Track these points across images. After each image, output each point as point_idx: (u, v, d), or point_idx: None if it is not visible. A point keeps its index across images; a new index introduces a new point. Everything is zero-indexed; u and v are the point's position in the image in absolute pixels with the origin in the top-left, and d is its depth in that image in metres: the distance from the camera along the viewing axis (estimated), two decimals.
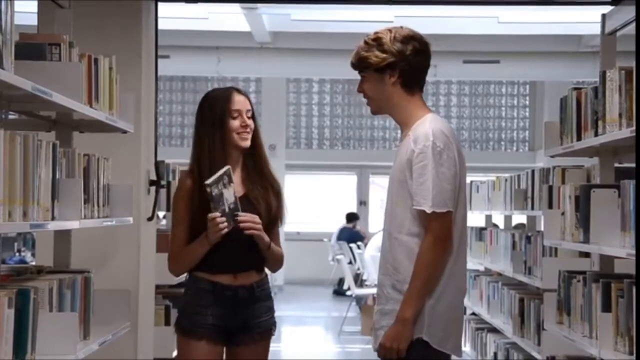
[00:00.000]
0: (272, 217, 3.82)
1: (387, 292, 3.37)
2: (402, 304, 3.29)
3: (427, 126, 3.34)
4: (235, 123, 3.73)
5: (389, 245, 3.38)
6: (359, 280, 13.36)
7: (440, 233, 3.28)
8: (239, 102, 3.76)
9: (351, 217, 17.28)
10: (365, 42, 3.44)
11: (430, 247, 3.28)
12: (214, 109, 3.74)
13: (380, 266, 3.44)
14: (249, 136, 3.77)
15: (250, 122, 3.77)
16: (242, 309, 3.76)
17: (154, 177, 5.70)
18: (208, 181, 3.61)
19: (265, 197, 3.79)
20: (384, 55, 3.38)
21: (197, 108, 3.82)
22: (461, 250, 3.39)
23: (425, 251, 3.28)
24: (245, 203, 3.74)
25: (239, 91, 3.80)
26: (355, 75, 3.53)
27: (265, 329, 3.85)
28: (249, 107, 3.78)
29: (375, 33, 3.44)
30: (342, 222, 17.34)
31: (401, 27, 3.45)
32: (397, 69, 3.39)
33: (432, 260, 3.28)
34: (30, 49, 3.73)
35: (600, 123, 4.13)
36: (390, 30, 3.42)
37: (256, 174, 3.82)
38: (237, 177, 3.76)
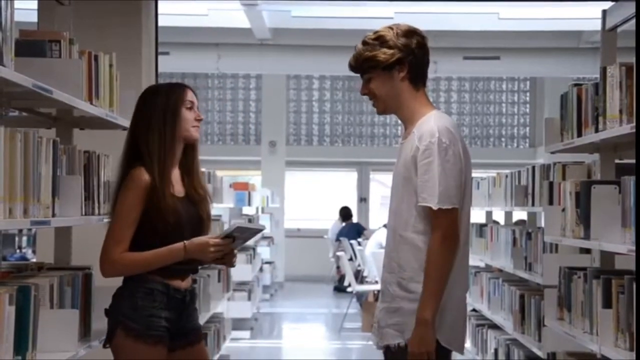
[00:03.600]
0: (207, 224, 3.77)
1: (393, 289, 3.34)
2: (420, 305, 3.25)
3: (432, 123, 3.33)
4: (189, 114, 3.67)
5: (394, 243, 3.36)
6: (359, 277, 13.36)
7: (447, 230, 3.26)
8: (192, 95, 3.72)
9: (347, 216, 17.29)
10: (366, 43, 3.40)
11: (439, 244, 3.25)
12: (169, 98, 3.66)
13: (384, 264, 3.42)
14: (199, 130, 3.72)
15: (201, 115, 3.73)
16: (185, 312, 3.68)
17: None
18: (242, 225, 3.62)
19: (204, 202, 3.73)
20: (392, 51, 3.37)
21: (143, 97, 3.71)
22: (466, 248, 3.39)
23: (434, 249, 3.25)
24: (188, 204, 3.67)
25: (190, 88, 3.75)
26: None
27: (199, 330, 3.77)
28: (197, 104, 3.75)
29: (375, 32, 3.41)
30: (337, 218, 17.39)
31: (399, 24, 3.44)
32: (406, 63, 3.37)
33: (443, 258, 3.26)
34: (31, 46, 3.73)
35: (600, 119, 4.13)
36: (390, 27, 3.40)
37: (189, 177, 3.73)
38: (175, 174, 3.69)
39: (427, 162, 3.27)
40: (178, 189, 3.68)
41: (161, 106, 3.65)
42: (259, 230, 3.76)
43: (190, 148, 3.74)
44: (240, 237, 3.63)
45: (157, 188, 3.56)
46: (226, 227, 6.31)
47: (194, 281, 3.80)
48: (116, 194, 3.64)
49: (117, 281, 4.41)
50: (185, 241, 3.56)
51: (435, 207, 3.25)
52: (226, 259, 3.68)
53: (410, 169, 3.31)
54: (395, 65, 3.37)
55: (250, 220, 10.09)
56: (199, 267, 3.89)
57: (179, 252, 3.56)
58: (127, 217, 3.57)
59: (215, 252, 3.57)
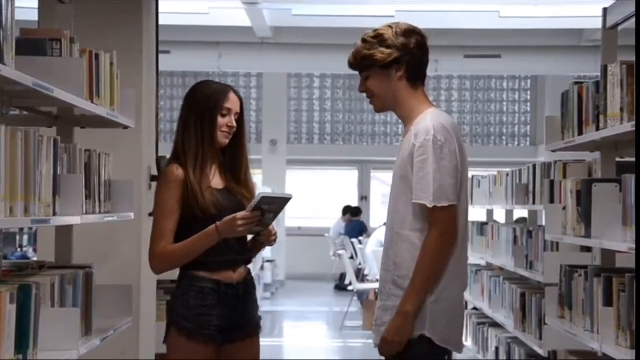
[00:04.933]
0: None
1: (389, 288, 3.35)
2: (404, 297, 3.28)
3: (428, 120, 3.33)
4: (222, 120, 3.70)
5: (391, 241, 3.37)
6: (360, 275, 13.37)
7: (444, 227, 3.27)
8: (232, 101, 3.73)
9: (356, 212, 17.34)
10: (365, 41, 3.40)
11: (434, 241, 3.26)
12: (208, 101, 3.70)
13: (382, 262, 3.43)
14: (229, 137, 3.73)
15: (235, 123, 3.74)
16: (241, 305, 3.71)
17: (155, 172, 5.70)
18: (266, 194, 3.58)
19: (244, 197, 3.73)
20: (390, 50, 3.37)
21: (190, 92, 3.76)
22: (463, 246, 3.38)
23: (429, 245, 3.27)
24: (228, 195, 3.70)
25: (235, 91, 3.78)
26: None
27: (257, 322, 3.80)
28: (238, 110, 3.75)
29: (375, 30, 3.41)
30: (342, 217, 17.42)
31: (399, 22, 3.44)
32: (403, 63, 3.38)
33: (436, 255, 3.27)
34: (31, 44, 3.73)
35: (601, 117, 4.13)
36: (390, 26, 3.41)
37: (233, 177, 3.76)
38: (214, 172, 3.73)
39: (422, 160, 3.27)
40: (216, 181, 3.72)
41: (199, 109, 3.70)
42: (288, 199, 3.66)
43: (238, 147, 3.76)
44: (269, 210, 3.59)
45: (193, 185, 3.62)
46: None
47: (248, 272, 3.80)
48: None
49: (118, 279, 4.43)
50: (217, 222, 3.59)
51: (430, 205, 3.26)
52: (263, 237, 3.71)
53: (406, 167, 3.32)
54: (392, 65, 3.37)
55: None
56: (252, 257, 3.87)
57: (212, 233, 3.60)
58: (163, 211, 3.65)
59: (244, 225, 3.57)
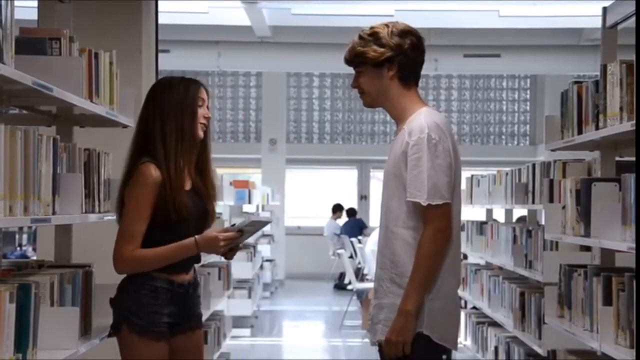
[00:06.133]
0: (213, 217, 3.79)
1: (385, 286, 3.36)
2: (404, 296, 3.29)
3: (422, 119, 3.34)
4: (200, 112, 3.68)
5: (386, 239, 3.38)
6: (359, 275, 13.37)
7: (438, 225, 3.28)
8: (204, 93, 3.72)
9: (351, 212, 17.35)
10: (361, 37, 3.42)
11: (430, 239, 3.27)
12: (186, 94, 3.65)
13: (377, 261, 3.44)
14: (205, 129, 3.70)
15: (209, 113, 3.72)
16: (189, 303, 3.73)
17: None
18: (255, 219, 3.68)
19: (212, 199, 3.74)
20: (382, 49, 3.38)
21: (156, 91, 3.68)
22: (456, 245, 3.39)
23: (425, 244, 3.28)
24: (194, 196, 3.68)
25: (203, 84, 3.76)
26: None
27: (199, 317, 3.82)
28: (208, 104, 3.74)
29: (372, 28, 3.43)
30: (332, 215, 17.48)
31: (397, 22, 3.45)
32: (396, 63, 3.39)
33: (433, 253, 3.28)
34: (31, 43, 3.73)
35: (601, 117, 4.13)
36: (387, 25, 3.42)
37: (199, 174, 3.73)
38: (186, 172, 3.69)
39: (416, 158, 3.28)
40: (186, 182, 3.69)
41: (178, 102, 3.64)
42: (267, 223, 3.83)
43: (202, 145, 3.73)
44: (248, 231, 3.66)
45: (172, 185, 3.58)
46: (226, 224, 6.31)
47: (194, 272, 3.82)
48: (122, 190, 3.64)
49: (117, 279, 4.41)
50: (196, 236, 3.59)
51: (424, 203, 3.27)
52: (229, 253, 3.71)
53: (399, 165, 3.33)
54: (384, 64, 3.39)
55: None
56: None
57: (191, 247, 3.60)
58: (139, 215, 3.58)
59: (225, 245, 3.60)
